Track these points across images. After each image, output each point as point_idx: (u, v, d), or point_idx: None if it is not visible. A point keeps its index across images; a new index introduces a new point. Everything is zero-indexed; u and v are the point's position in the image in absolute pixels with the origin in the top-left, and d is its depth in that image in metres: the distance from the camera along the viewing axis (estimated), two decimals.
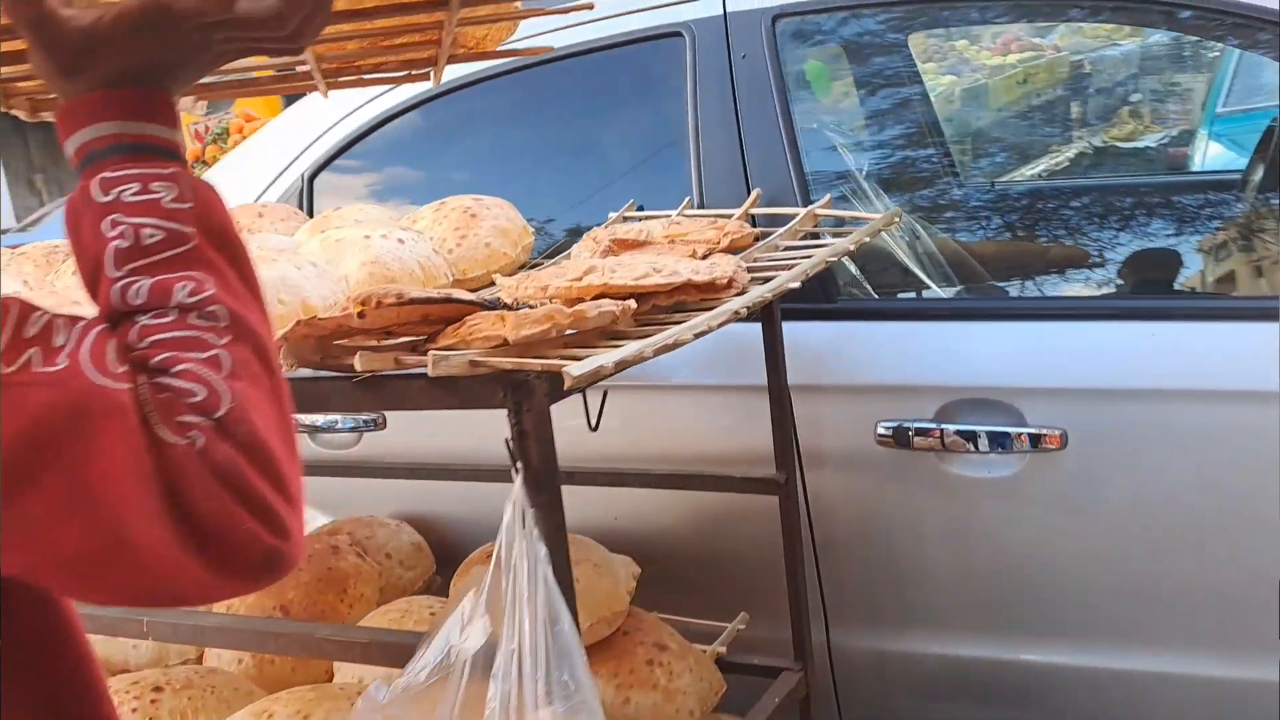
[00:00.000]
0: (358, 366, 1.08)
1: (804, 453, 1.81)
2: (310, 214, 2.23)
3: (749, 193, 1.89)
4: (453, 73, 2.14)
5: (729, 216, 1.79)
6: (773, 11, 1.96)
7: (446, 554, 2.02)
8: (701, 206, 1.94)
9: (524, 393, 1.04)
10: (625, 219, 1.95)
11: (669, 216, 1.87)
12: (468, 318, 1.14)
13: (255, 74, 1.15)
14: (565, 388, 0.98)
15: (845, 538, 1.83)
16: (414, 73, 1.20)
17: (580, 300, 1.29)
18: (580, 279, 1.32)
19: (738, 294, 1.36)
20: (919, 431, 1.72)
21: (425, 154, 2.28)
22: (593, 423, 1.23)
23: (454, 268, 1.69)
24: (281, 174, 2.30)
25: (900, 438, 1.73)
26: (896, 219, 1.74)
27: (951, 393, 1.73)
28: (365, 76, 1.17)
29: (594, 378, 1.00)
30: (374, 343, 1.17)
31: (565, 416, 1.26)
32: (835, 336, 1.83)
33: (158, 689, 1.50)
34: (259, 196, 2.29)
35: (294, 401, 0.67)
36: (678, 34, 2.02)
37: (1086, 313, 1.81)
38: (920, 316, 1.82)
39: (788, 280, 1.38)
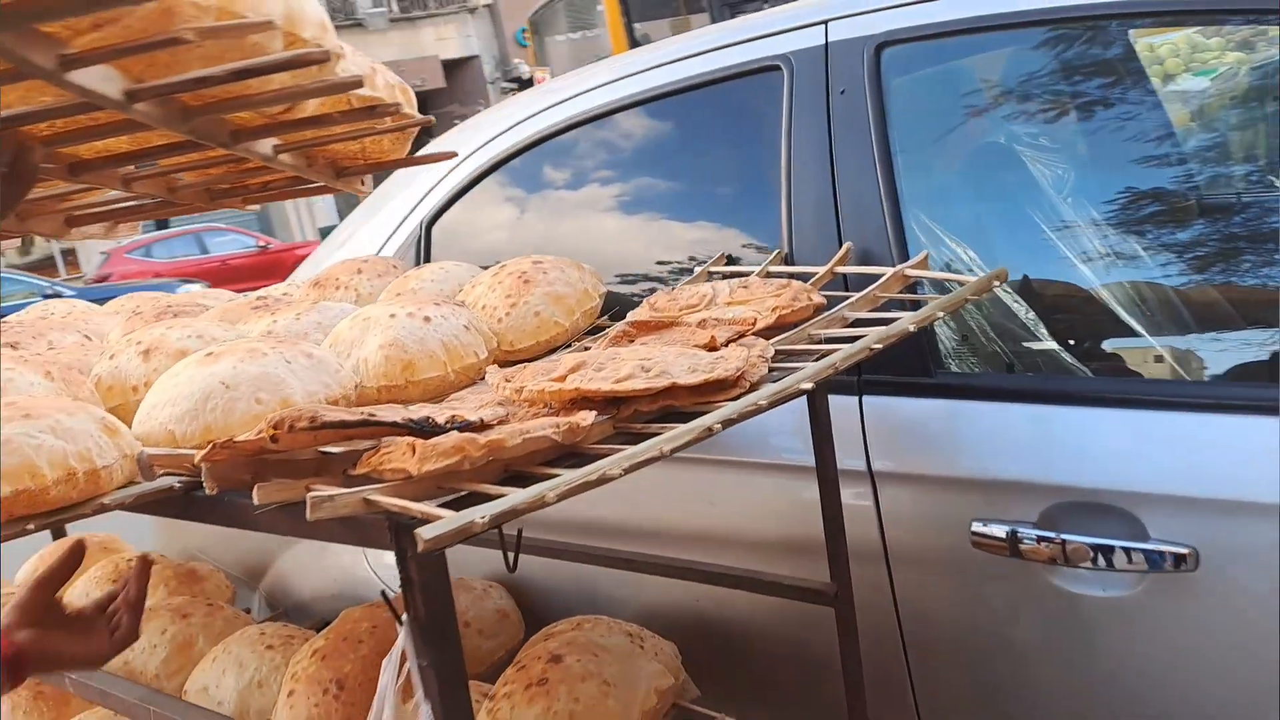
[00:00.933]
0: (255, 499, 1.01)
1: (891, 548, 1.60)
2: (427, 258, 2.22)
3: (840, 245, 1.69)
4: (555, 116, 2.06)
5: (812, 275, 1.61)
6: (877, 40, 1.74)
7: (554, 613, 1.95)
8: (790, 260, 1.75)
9: (410, 539, 0.93)
10: (710, 275, 1.80)
11: (747, 274, 1.70)
12: (386, 442, 1.04)
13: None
14: (419, 549, 0.87)
15: (938, 647, 1.60)
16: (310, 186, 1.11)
17: (560, 403, 1.17)
18: (563, 378, 1.20)
19: (742, 393, 1.19)
20: (1017, 536, 1.47)
21: (525, 199, 2.21)
22: (510, 565, 1.10)
23: (502, 339, 1.60)
24: (403, 222, 2.30)
25: (996, 541, 1.49)
26: (998, 281, 1.49)
27: (1060, 493, 1.46)
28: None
29: (458, 537, 0.88)
30: (309, 454, 1.10)
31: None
32: (930, 415, 1.60)
33: None
34: (381, 247, 2.31)
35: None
36: (776, 67, 1.84)
37: (1243, 404, 1.45)
38: (1031, 398, 1.54)
39: (799, 380, 1.19)
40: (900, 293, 1.55)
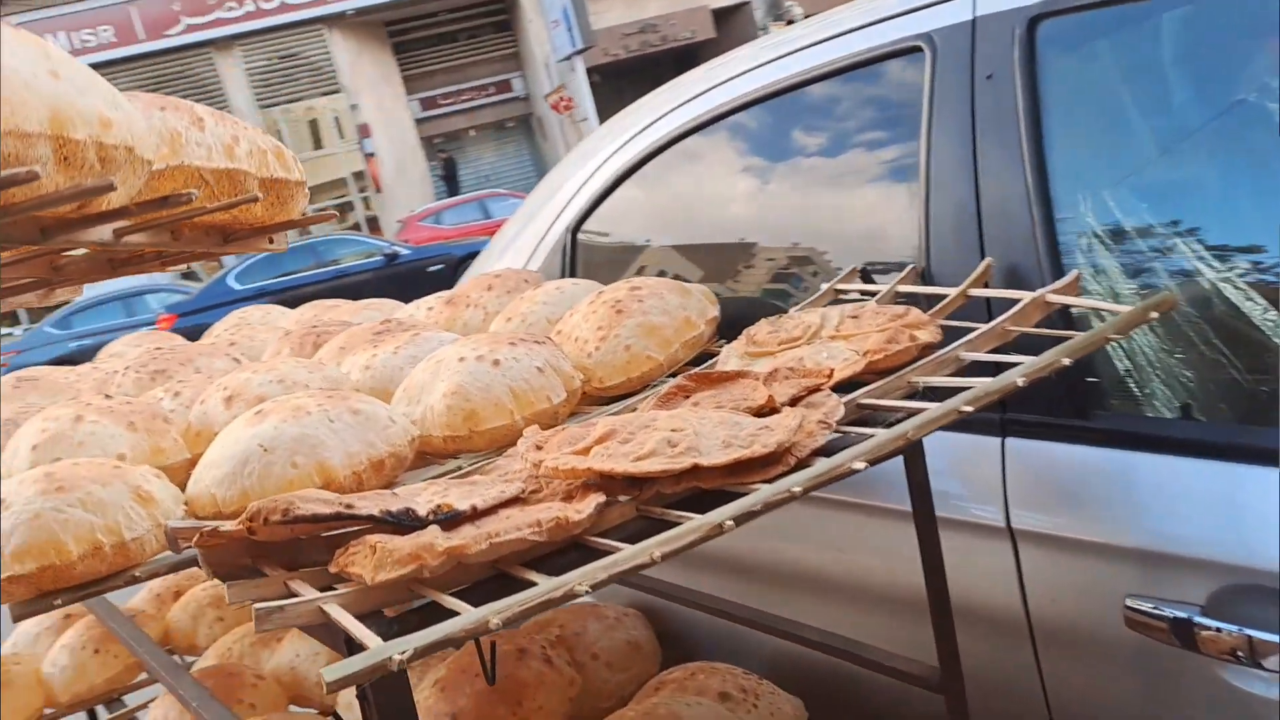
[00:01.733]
0: (227, 597, 0.96)
1: (1035, 621, 1.37)
2: (573, 270, 2.14)
3: (983, 259, 1.46)
4: (685, 115, 1.92)
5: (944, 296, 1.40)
6: (1029, 12, 1.47)
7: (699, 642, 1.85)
8: (927, 277, 1.53)
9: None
10: (837, 294, 1.61)
11: (875, 295, 1.50)
12: (357, 541, 0.97)
13: None
14: (325, 691, 0.78)
15: None
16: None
17: (577, 481, 1.06)
18: (587, 450, 1.08)
19: (785, 472, 1.03)
20: (1178, 621, 1.21)
21: (657, 204, 2.07)
22: (489, 676, 0.99)
23: (592, 375, 1.50)
24: (550, 228, 2.23)
25: (1152, 624, 1.24)
26: (1157, 312, 1.23)
27: (1233, 572, 1.19)
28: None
29: (371, 675, 0.78)
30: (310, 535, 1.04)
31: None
32: (1085, 466, 1.35)
33: None
34: (529, 257, 2.25)
35: None
36: (917, 49, 1.60)
37: None
38: (1215, 453, 1.25)
39: (851, 458, 1.01)
40: (1036, 326, 1.31)
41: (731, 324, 1.61)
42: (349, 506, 0.98)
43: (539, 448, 1.15)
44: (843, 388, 1.25)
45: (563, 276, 2.16)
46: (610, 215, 2.14)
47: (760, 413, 1.15)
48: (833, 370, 1.21)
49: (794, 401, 1.16)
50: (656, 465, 1.02)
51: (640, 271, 2.07)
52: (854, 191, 1.72)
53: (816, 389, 1.18)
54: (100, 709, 2.21)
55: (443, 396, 1.37)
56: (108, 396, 1.43)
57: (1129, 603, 1.26)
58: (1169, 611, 1.22)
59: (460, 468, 1.33)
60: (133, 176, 0.75)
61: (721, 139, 1.92)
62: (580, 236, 2.18)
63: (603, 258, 2.17)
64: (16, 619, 1.09)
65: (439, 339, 1.64)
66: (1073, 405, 1.36)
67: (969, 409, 1.08)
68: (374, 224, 24.92)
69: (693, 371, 1.27)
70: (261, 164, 0.95)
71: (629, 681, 1.83)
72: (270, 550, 1.05)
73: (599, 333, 1.52)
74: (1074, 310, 1.35)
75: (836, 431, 1.13)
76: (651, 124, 2.08)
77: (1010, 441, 1.41)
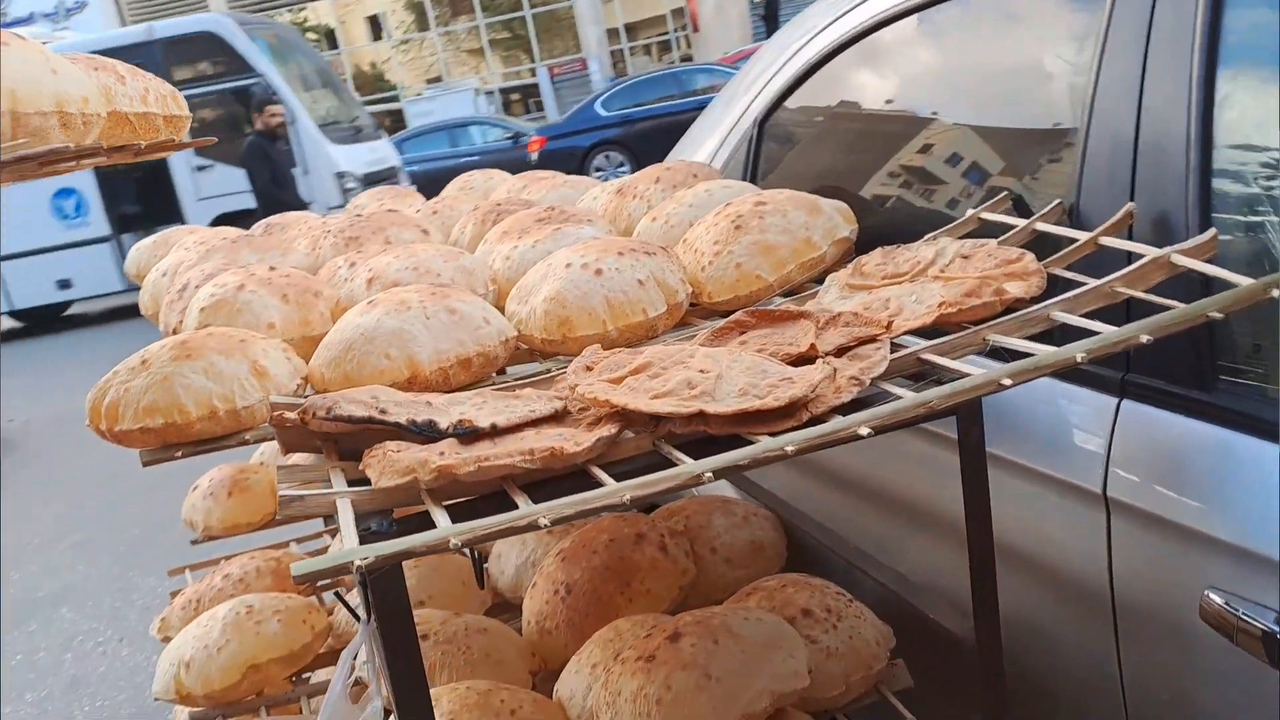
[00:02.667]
0: (276, 479, 1.10)
1: (1119, 600, 1.30)
2: (755, 164, 2.13)
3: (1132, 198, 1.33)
4: (875, 8, 1.83)
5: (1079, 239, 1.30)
6: None
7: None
8: (1074, 217, 1.42)
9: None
10: (980, 222, 1.52)
11: (1016, 227, 1.41)
12: (383, 444, 1.07)
13: None
14: (293, 580, 0.90)
15: None
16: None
17: (600, 410, 1.11)
18: (619, 380, 1.13)
19: (795, 427, 1.03)
20: (1246, 618, 1.12)
21: (833, 105, 1.98)
22: (480, 581, 1.07)
23: (702, 289, 1.52)
24: (740, 117, 2.20)
25: (1226, 620, 1.15)
26: (1277, 290, 1.09)
27: None
28: None
29: (334, 574, 0.89)
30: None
31: None
32: (1198, 443, 1.24)
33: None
34: (718, 147, 2.24)
35: None
36: None
37: None
38: None
39: (859, 421, 0.99)
40: (1150, 290, 1.19)
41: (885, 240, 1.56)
42: (382, 412, 1.08)
43: (588, 369, 1.20)
44: (929, 334, 1.20)
45: (745, 171, 2.14)
46: (796, 109, 2.08)
47: (799, 361, 1.13)
48: (891, 322, 1.17)
49: (841, 351, 1.14)
50: (667, 406, 1.04)
51: (813, 174, 2.02)
52: (1029, 110, 1.59)
53: (870, 340, 1.15)
54: None
55: (543, 300, 1.44)
56: (271, 268, 1.60)
57: (1207, 594, 1.16)
58: (1229, 602, 1.13)
59: (549, 370, 1.41)
60: (97, 127, 1.09)
61: (909, 36, 1.81)
62: (766, 129, 2.14)
63: (783, 155, 2.12)
64: (145, 464, 1.29)
65: (577, 235, 1.70)
66: (1196, 374, 1.24)
67: (1008, 382, 1.02)
68: (687, 62, 24.92)
69: (753, 307, 1.26)
70: (164, 105, 1.31)
71: (745, 579, 1.88)
72: (339, 435, 1.17)
73: (715, 247, 1.52)
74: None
75: (877, 387, 1.10)
76: (847, 12, 1.98)
77: (1126, 404, 1.31)
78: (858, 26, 1.85)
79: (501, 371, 1.48)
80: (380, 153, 13.68)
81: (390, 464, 1.00)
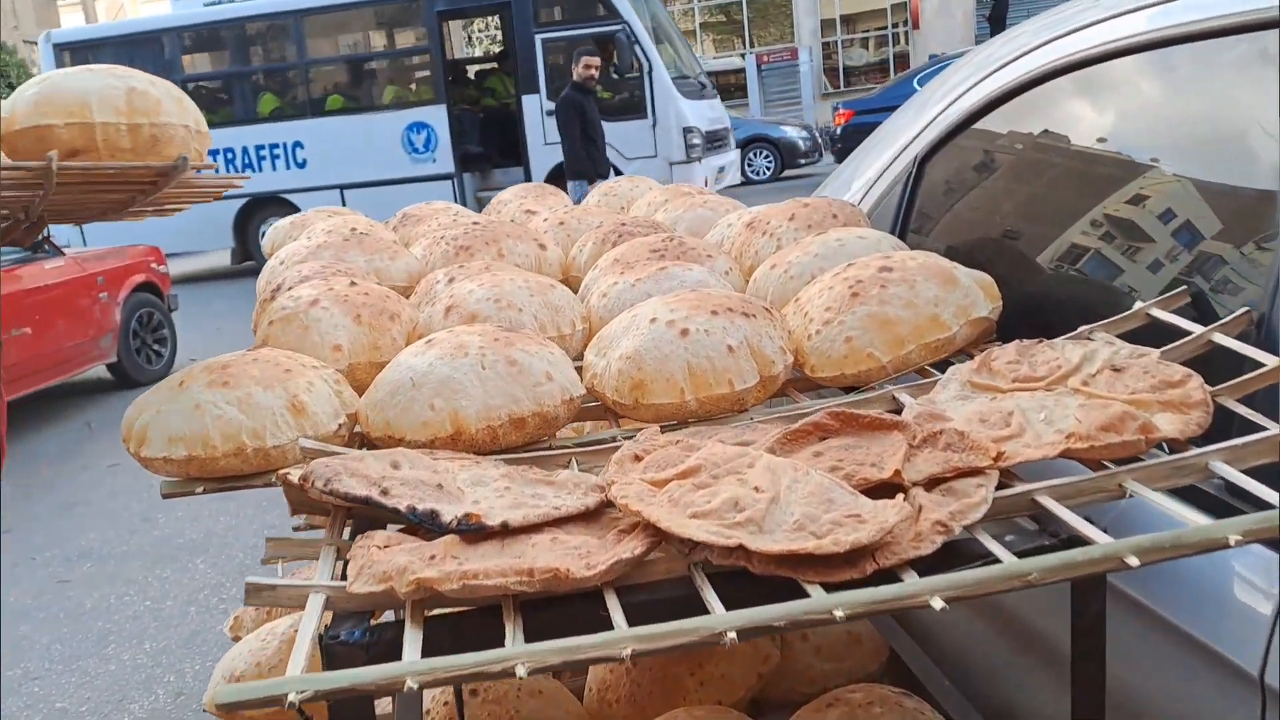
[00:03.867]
0: (265, 551, 0.99)
1: None
2: (908, 208, 1.91)
3: None
4: (1080, 41, 1.59)
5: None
6: None
7: None
8: (1264, 328, 1.15)
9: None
10: (1148, 319, 1.27)
11: (1190, 338, 1.16)
12: (371, 535, 0.94)
13: None
14: (214, 710, 0.77)
15: None
16: None
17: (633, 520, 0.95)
18: (661, 484, 0.96)
19: (852, 580, 0.84)
20: None
21: (1008, 151, 1.73)
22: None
23: (806, 360, 1.33)
24: (902, 152, 1.98)
25: None
26: None
27: None
28: None
29: (261, 705, 0.76)
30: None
31: None
32: None
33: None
34: (872, 183, 2.03)
35: None
36: None
37: None
38: None
39: (925, 590, 0.79)
40: None
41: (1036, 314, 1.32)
42: (384, 493, 0.95)
43: (637, 459, 1.03)
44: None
45: (896, 215, 1.92)
46: (965, 149, 1.84)
47: (879, 488, 0.94)
48: (1002, 452, 0.95)
49: (934, 482, 0.93)
50: (704, 532, 0.87)
51: (971, 226, 1.78)
52: (1242, 186, 1.32)
53: (972, 472, 0.94)
54: None
55: (619, 358, 1.28)
56: (353, 283, 1.50)
57: None
58: None
59: (615, 438, 1.25)
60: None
61: (1105, 82, 1.55)
62: (928, 169, 1.91)
63: (943, 201, 1.89)
64: (164, 496, 1.20)
65: (683, 278, 1.53)
66: None
67: (1133, 561, 0.80)
68: (902, 60, 24.19)
69: (840, 407, 1.06)
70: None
71: (837, 674, 1.69)
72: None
73: (826, 313, 1.32)
74: None
75: (970, 534, 0.89)
76: (1031, 50, 1.73)
77: None
78: (1062, 59, 1.59)
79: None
80: (717, 111, 13.29)
81: (370, 566, 0.86)
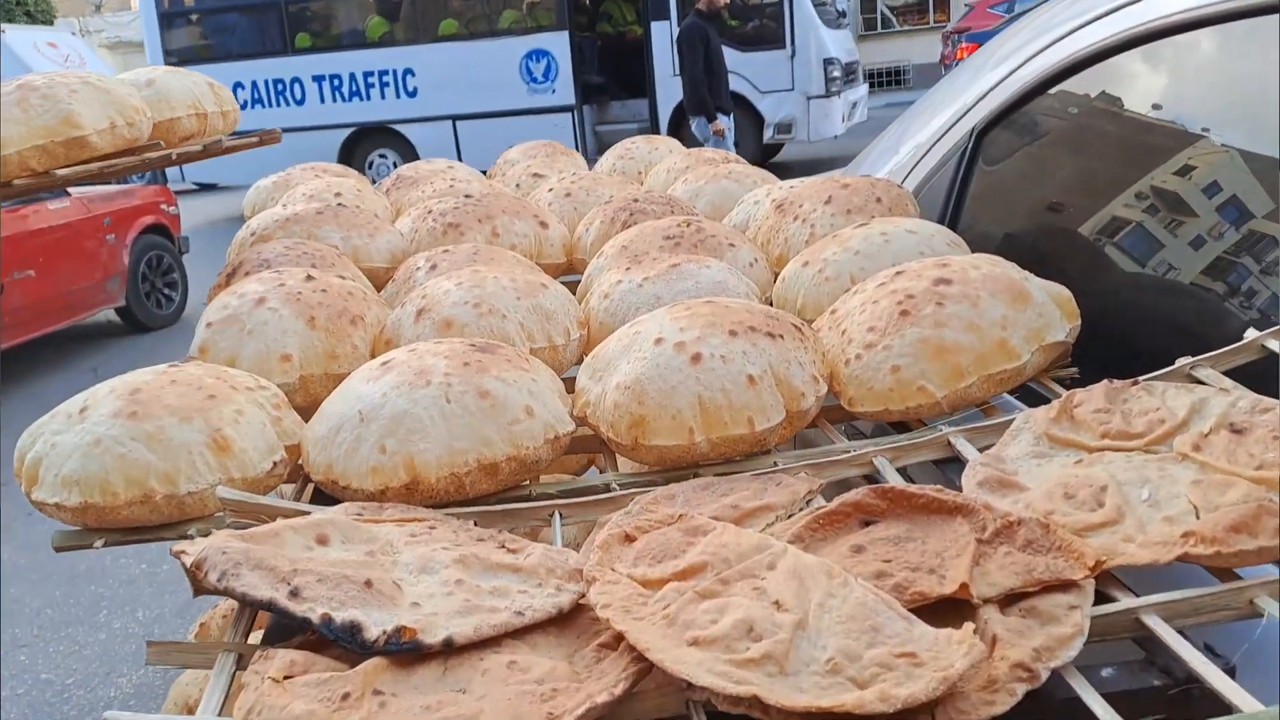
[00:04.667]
0: (148, 654, 0.78)
1: None
2: (962, 188, 1.66)
3: None
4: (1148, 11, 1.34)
5: None
6: None
7: None
8: None
9: None
10: (1263, 351, 1.03)
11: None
12: (269, 655, 0.73)
13: None
14: None
15: None
16: None
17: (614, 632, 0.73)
18: (658, 583, 0.74)
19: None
20: None
21: (1083, 127, 1.48)
22: None
23: (845, 389, 1.10)
24: (956, 123, 1.73)
25: None
26: None
27: None
28: None
29: None
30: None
31: None
32: None
33: None
34: (915, 162, 1.78)
35: None
36: None
37: None
38: None
39: None
40: None
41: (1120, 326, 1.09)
42: (294, 594, 0.73)
43: (628, 539, 0.81)
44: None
45: (949, 196, 1.67)
46: (1035, 120, 1.59)
47: (939, 606, 0.71)
48: (1100, 562, 0.73)
49: (1008, 600, 0.71)
50: (706, 674, 0.65)
51: (1039, 213, 1.54)
52: None
53: (1061, 586, 0.71)
54: None
55: (616, 387, 1.05)
56: (310, 277, 1.28)
57: None
58: None
59: (610, 486, 1.03)
60: None
61: (1194, 49, 1.29)
62: (987, 144, 1.66)
63: (1005, 180, 1.64)
64: (56, 550, 1.00)
65: (697, 278, 1.30)
66: None
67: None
68: (941, 2, 23.48)
69: (893, 486, 0.83)
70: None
71: None
72: None
73: (869, 334, 1.09)
74: None
75: (1058, 674, 0.67)
76: (1124, 5, 1.46)
77: None
78: (1162, 18, 1.33)
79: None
80: (850, 42, 12.08)
81: (259, 712, 0.65)
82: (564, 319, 1.27)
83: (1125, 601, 0.73)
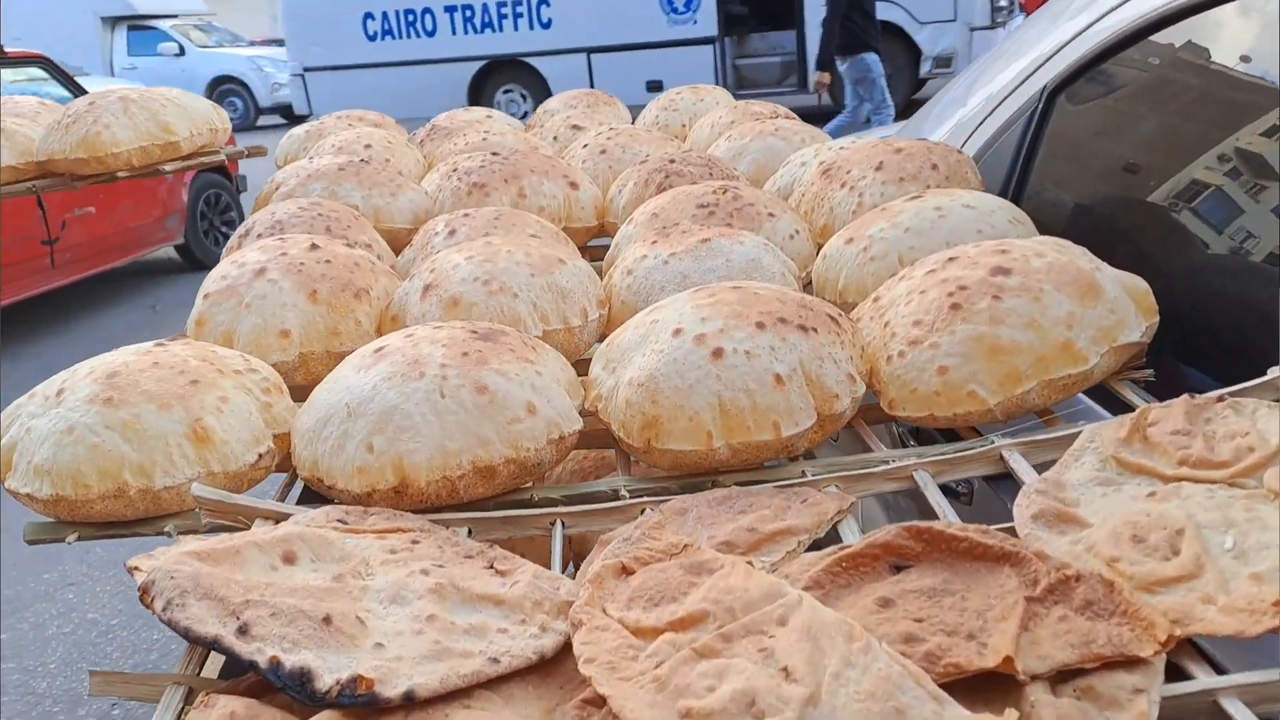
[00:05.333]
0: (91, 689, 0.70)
1: None
2: (1030, 153, 1.52)
3: None
4: None
5: None
6: None
7: None
8: None
9: None
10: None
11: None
12: (208, 699, 0.64)
13: None
14: None
15: None
16: None
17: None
18: (651, 633, 0.65)
19: None
20: None
21: (1172, 91, 1.33)
22: None
23: (885, 390, 0.99)
24: (1019, 85, 1.58)
25: None
26: None
27: None
28: None
29: None
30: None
31: None
32: None
33: None
34: (977, 124, 1.63)
35: None
36: None
37: None
38: None
39: None
40: None
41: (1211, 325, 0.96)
42: (242, 631, 0.65)
43: (624, 572, 0.72)
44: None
45: (1015, 162, 1.53)
46: (1120, 78, 1.44)
47: (979, 679, 0.61)
48: (1173, 636, 0.61)
49: (1061, 677, 0.60)
50: None
51: (1120, 187, 1.39)
52: None
53: (1126, 663, 0.60)
54: None
55: (629, 383, 0.95)
56: (314, 246, 1.19)
57: None
58: None
59: (619, 493, 0.93)
60: None
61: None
62: (1060, 106, 1.51)
63: (1082, 146, 1.49)
64: (29, 543, 0.92)
65: (729, 254, 1.18)
66: None
67: None
68: None
69: (930, 526, 0.72)
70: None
71: None
72: None
73: (914, 329, 0.97)
74: None
75: None
76: None
77: None
78: None
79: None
80: None
81: None
82: (581, 298, 1.16)
83: (1202, 680, 0.62)
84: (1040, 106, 1.52)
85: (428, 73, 11.37)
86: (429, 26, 11.49)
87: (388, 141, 2.05)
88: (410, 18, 11.47)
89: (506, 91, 11.52)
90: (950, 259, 1.03)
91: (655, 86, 10.40)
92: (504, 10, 11.32)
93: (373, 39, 11.56)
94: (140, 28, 16.24)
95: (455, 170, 1.64)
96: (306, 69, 11.83)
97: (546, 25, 11.24)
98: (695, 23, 10.64)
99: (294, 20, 11.68)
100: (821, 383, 0.94)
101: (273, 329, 1.11)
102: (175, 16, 16.56)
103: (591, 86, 10.76)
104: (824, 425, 0.95)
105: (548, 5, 11.18)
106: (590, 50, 10.99)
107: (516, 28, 11.32)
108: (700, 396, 0.91)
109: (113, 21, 15.98)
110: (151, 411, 0.91)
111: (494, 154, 1.65)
